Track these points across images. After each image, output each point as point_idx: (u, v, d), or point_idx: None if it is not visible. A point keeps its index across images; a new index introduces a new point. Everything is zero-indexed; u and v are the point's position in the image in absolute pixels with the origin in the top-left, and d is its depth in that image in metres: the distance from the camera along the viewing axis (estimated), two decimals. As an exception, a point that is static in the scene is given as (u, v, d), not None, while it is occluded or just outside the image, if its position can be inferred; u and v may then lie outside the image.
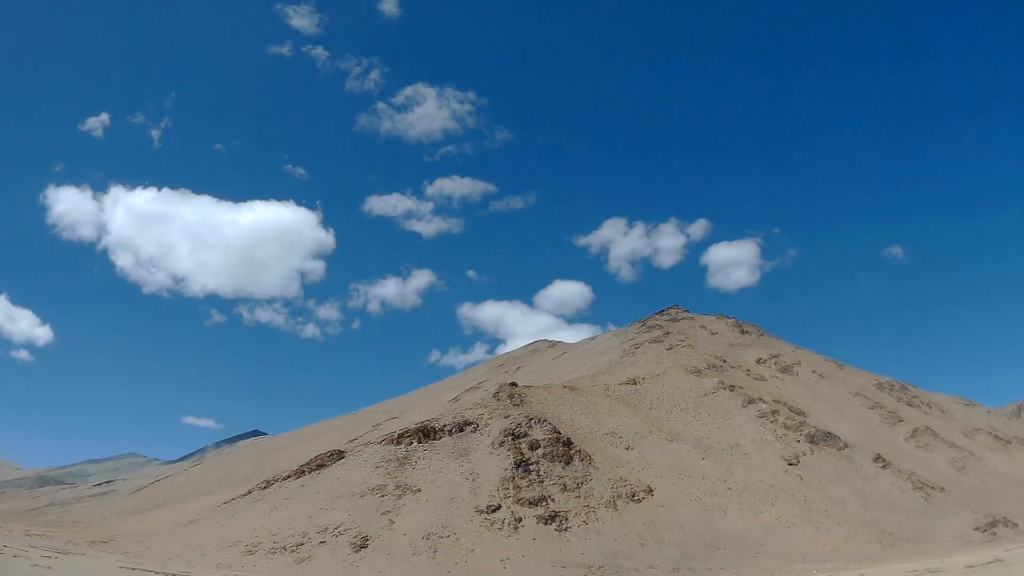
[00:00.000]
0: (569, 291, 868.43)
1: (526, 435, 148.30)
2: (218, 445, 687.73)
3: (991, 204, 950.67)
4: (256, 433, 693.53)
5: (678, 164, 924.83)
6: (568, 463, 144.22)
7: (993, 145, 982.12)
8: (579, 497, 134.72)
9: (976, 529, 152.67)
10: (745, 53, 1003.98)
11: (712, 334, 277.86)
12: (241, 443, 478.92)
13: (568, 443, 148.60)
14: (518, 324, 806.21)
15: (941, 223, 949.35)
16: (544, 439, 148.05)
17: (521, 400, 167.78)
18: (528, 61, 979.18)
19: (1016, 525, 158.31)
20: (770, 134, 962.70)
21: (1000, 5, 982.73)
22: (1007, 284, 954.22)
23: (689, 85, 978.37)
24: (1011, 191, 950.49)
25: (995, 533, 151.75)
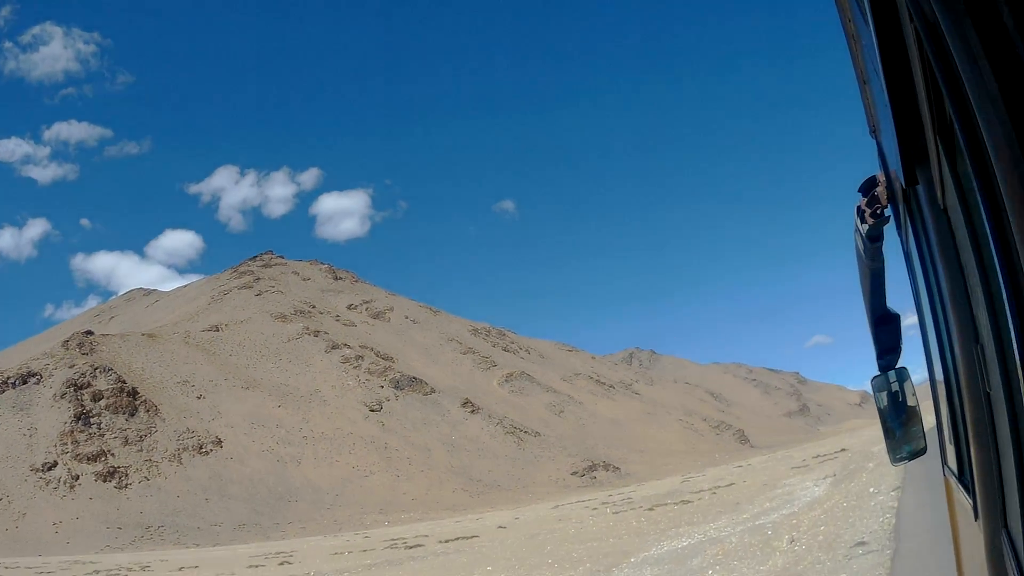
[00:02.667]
0: (180, 240, 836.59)
1: (89, 385, 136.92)
2: None
3: (596, 162, 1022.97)
4: None
5: (292, 112, 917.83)
6: (132, 414, 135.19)
7: (608, 111, 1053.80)
8: (141, 451, 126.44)
9: (574, 474, 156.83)
10: (363, 8, 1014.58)
11: (304, 280, 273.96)
12: None
13: (133, 393, 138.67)
14: (129, 275, 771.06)
15: (552, 180, 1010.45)
16: (108, 389, 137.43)
17: (92, 349, 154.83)
18: (156, 2, 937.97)
19: (618, 468, 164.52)
20: (384, 87, 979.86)
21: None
22: (618, 236, 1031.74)
23: (312, 38, 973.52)
24: (619, 156, 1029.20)
25: (595, 477, 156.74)
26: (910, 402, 7.14)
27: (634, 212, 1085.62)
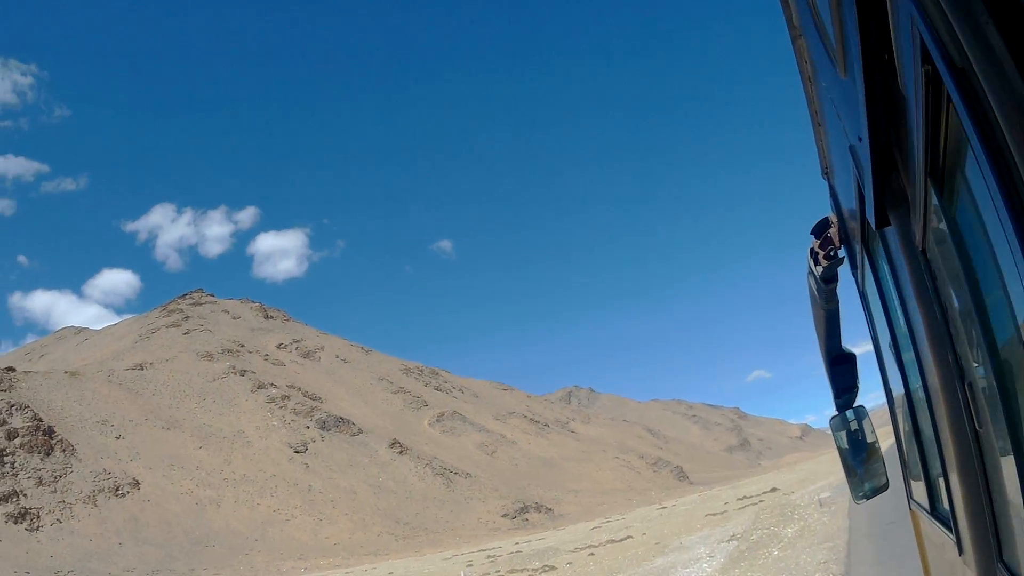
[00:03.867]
0: (118, 280, 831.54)
1: (4, 423, 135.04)
2: None
3: (535, 204, 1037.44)
4: None
5: (230, 149, 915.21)
6: (48, 454, 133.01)
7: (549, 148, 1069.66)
8: (55, 492, 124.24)
9: (504, 516, 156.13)
10: (295, 47, 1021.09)
11: (235, 318, 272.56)
12: None
13: (50, 432, 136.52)
14: (67, 314, 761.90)
15: (489, 220, 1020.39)
16: (23, 427, 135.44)
17: (11, 386, 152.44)
18: (94, 35, 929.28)
19: (551, 510, 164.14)
20: (322, 124, 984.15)
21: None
22: (557, 274, 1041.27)
23: (242, 73, 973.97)
24: (558, 196, 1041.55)
25: (526, 519, 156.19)
26: (869, 439, 7.33)
27: (574, 250, 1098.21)
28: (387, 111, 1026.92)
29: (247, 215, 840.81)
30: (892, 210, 3.32)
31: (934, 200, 2.51)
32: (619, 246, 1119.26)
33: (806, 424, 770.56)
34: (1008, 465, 2.53)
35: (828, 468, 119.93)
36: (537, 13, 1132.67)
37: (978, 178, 1.64)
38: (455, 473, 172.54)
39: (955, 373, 3.01)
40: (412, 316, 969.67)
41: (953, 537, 3.72)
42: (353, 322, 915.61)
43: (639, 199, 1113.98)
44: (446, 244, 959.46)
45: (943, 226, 2.53)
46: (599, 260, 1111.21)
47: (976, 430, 2.90)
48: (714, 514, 73.45)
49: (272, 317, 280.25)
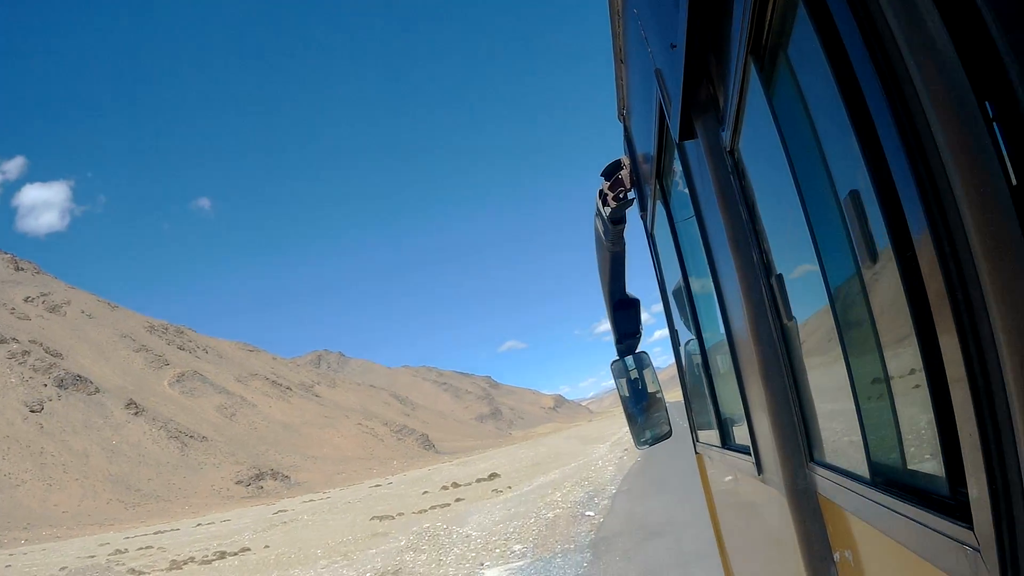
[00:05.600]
0: None
1: None
2: None
3: (296, 160, 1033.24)
4: None
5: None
6: None
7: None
8: None
9: (238, 483, 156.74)
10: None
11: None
12: None
13: None
14: None
15: (250, 179, 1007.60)
16: None
17: None
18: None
19: (287, 477, 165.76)
20: (92, 74, 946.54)
21: None
22: (316, 236, 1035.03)
23: (26, 22, 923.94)
24: (321, 154, 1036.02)
25: (261, 487, 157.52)
26: (651, 388, 7.44)
27: (334, 210, 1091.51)
28: (157, 62, 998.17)
29: (15, 165, 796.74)
30: (699, 119, 3.23)
31: (751, 94, 2.41)
32: (386, 206, 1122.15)
33: (560, 395, 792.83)
34: (817, 360, 2.57)
35: (577, 447, 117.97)
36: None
37: (803, 62, 1.72)
38: (191, 437, 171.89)
39: (761, 273, 2.93)
40: (169, 274, 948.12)
41: (752, 459, 3.71)
42: (112, 279, 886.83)
43: (407, 155, 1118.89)
44: (204, 202, 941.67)
45: (760, 123, 2.39)
46: (361, 220, 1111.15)
47: (783, 324, 2.83)
48: (384, 517, 59.79)
49: (23, 269, 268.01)
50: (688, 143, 3.49)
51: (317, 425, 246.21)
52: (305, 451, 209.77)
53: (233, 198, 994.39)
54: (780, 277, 2.78)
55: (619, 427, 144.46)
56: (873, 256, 1.64)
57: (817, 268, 2.23)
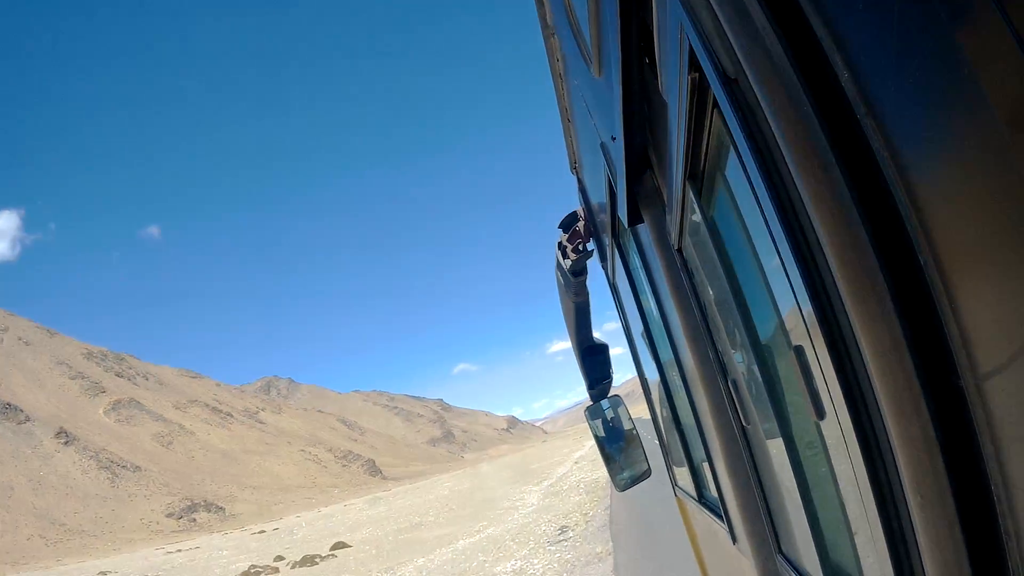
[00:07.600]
0: None
1: None
2: None
3: (250, 192, 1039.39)
4: None
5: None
6: None
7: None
8: None
9: (169, 516, 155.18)
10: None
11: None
12: None
13: None
14: None
15: (200, 206, 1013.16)
16: None
17: None
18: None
19: (222, 509, 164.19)
20: (50, 101, 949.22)
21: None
22: (266, 262, 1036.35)
23: None
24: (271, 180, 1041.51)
25: (194, 519, 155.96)
26: (627, 426, 7.50)
27: (286, 235, 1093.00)
28: (108, 90, 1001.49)
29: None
30: (645, 209, 3.30)
31: (692, 201, 2.46)
32: (337, 231, 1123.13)
33: (513, 416, 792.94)
34: (778, 460, 2.57)
35: (512, 473, 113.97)
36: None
37: (741, 181, 1.68)
38: (123, 467, 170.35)
39: (717, 370, 3.01)
40: (116, 302, 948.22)
41: (725, 526, 3.79)
42: (59, 307, 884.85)
43: (355, 182, 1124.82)
44: (155, 230, 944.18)
45: (702, 227, 2.48)
46: (316, 246, 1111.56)
47: (743, 426, 2.90)
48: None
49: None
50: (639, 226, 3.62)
51: (257, 453, 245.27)
52: (243, 480, 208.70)
53: (184, 225, 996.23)
54: (735, 382, 2.85)
55: (576, 447, 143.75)
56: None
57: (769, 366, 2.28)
